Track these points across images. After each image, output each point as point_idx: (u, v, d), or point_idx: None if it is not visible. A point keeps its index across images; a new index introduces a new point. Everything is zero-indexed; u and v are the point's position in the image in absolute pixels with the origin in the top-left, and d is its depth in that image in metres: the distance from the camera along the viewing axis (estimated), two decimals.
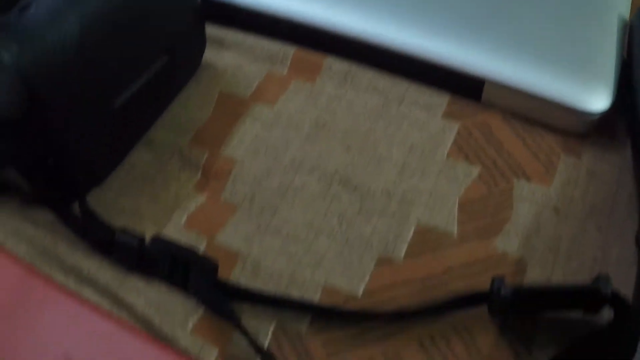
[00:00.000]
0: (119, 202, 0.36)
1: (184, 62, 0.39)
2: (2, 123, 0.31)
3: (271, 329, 0.32)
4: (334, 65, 0.41)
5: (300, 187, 0.36)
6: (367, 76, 0.40)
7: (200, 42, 0.40)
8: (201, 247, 0.34)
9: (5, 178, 0.35)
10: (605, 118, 0.37)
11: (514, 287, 0.30)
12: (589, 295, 0.30)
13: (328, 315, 0.32)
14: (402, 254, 0.34)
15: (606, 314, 0.31)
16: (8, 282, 0.28)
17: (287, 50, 0.42)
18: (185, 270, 0.32)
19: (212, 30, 0.42)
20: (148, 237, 0.33)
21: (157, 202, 0.36)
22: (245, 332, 0.30)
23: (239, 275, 0.33)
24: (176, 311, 0.32)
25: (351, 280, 0.33)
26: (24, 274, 0.28)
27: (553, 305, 0.32)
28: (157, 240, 0.32)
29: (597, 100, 0.37)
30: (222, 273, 0.33)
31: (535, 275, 0.33)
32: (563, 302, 0.32)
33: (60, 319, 0.27)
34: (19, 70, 0.29)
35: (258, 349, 0.30)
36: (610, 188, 0.36)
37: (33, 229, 0.34)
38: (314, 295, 0.33)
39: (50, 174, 0.34)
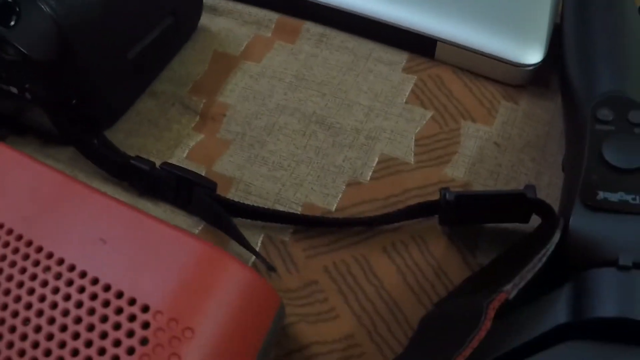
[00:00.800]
0: (128, 141, 0.42)
1: (184, 23, 0.45)
2: (37, 65, 0.36)
3: (260, 238, 0.38)
4: (311, 29, 0.47)
5: (284, 126, 0.43)
6: (339, 38, 0.47)
7: (198, 7, 0.46)
8: (201, 174, 0.40)
9: (29, 119, 0.41)
10: (540, 70, 0.44)
11: (457, 193, 0.37)
12: (518, 200, 0.36)
13: (308, 225, 0.38)
14: (368, 178, 0.40)
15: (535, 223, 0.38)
16: (52, 182, 0.33)
17: (271, 16, 0.48)
18: (189, 190, 0.38)
19: None
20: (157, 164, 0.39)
21: (161, 140, 0.42)
22: (241, 239, 0.36)
23: (233, 196, 0.39)
24: (180, 225, 0.38)
25: (326, 198, 0.39)
26: (62, 178, 0.33)
27: (489, 210, 0.38)
28: (166, 164, 0.38)
29: (532, 54, 0.43)
30: (219, 194, 0.39)
31: None
32: (496, 208, 0.37)
33: (95, 210, 0.32)
34: (56, 20, 0.35)
35: (254, 251, 0.36)
36: (543, 127, 0.43)
37: (55, 164, 0.41)
38: (296, 211, 0.39)
39: (73, 113, 0.40)
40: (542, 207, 0.36)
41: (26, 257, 0.31)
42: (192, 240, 0.31)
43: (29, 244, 0.32)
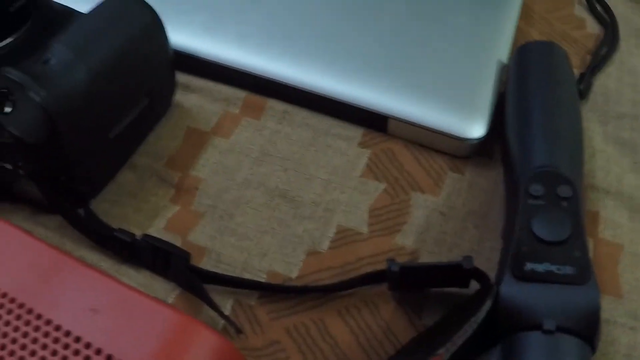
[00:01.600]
0: (112, 211, 0.48)
1: (159, 102, 0.52)
2: (27, 147, 0.43)
3: (230, 302, 0.45)
4: (275, 106, 0.55)
5: (250, 199, 0.49)
6: (300, 114, 0.54)
7: (171, 86, 0.53)
8: (177, 244, 0.47)
9: (21, 189, 0.48)
10: (484, 143, 0.51)
11: (401, 265, 0.43)
12: (456, 269, 0.43)
13: (272, 291, 0.45)
14: (326, 247, 0.47)
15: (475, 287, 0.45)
16: (48, 256, 0.40)
17: (239, 94, 0.55)
18: (167, 259, 0.45)
19: (181, 77, 0.55)
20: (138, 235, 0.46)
21: (141, 212, 0.49)
22: (212, 304, 0.43)
23: (205, 264, 0.46)
24: (159, 291, 0.45)
25: (288, 266, 0.46)
26: (58, 253, 0.40)
27: (432, 277, 0.45)
28: (146, 236, 0.45)
29: (476, 128, 0.51)
30: (194, 261, 0.46)
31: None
32: (439, 276, 0.44)
33: (86, 282, 0.39)
34: (45, 108, 0.42)
35: (223, 315, 0.43)
36: (486, 196, 0.50)
37: (44, 231, 0.47)
38: (261, 278, 0.46)
39: (61, 187, 0.46)
40: (478, 275, 0.43)
41: (27, 323, 0.38)
42: (168, 310, 0.38)
43: (30, 311, 0.39)
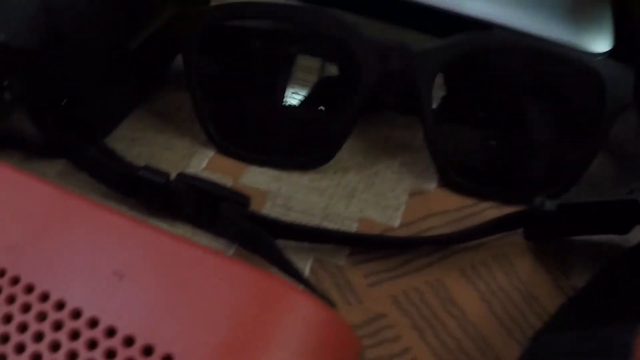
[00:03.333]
0: (132, 151, 0.32)
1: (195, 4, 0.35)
2: (19, 55, 0.27)
3: (309, 264, 0.28)
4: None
5: None
6: (374, 27, 0.35)
7: None
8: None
9: (8, 127, 0.31)
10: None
11: (559, 203, 0.27)
12: (626, 208, 0.27)
13: (368, 245, 0.28)
14: (435, 184, 0.31)
15: (632, 236, 0.30)
16: (42, 204, 0.23)
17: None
18: (214, 207, 0.28)
19: None
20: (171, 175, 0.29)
21: (173, 149, 0.32)
22: (288, 266, 0.26)
23: (269, 213, 0.29)
24: None
25: (386, 212, 0.30)
26: (57, 192, 0.23)
27: (585, 222, 0.29)
28: (184, 176, 0.28)
29: (600, 41, 0.35)
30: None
31: None
32: (595, 219, 0.29)
33: (104, 234, 0.22)
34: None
35: (301, 280, 0.26)
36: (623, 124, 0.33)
37: None
38: (352, 228, 0.29)
39: (63, 117, 0.30)
40: None
41: (11, 299, 0.21)
42: (243, 268, 0.22)
43: (16, 281, 0.21)
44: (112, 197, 0.29)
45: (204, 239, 0.28)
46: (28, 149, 0.31)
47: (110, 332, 0.20)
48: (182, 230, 0.29)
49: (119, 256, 0.21)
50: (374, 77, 0.29)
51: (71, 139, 0.29)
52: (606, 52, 0.35)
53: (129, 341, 0.20)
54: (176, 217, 0.29)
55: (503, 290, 0.28)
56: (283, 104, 0.32)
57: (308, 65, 0.33)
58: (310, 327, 0.21)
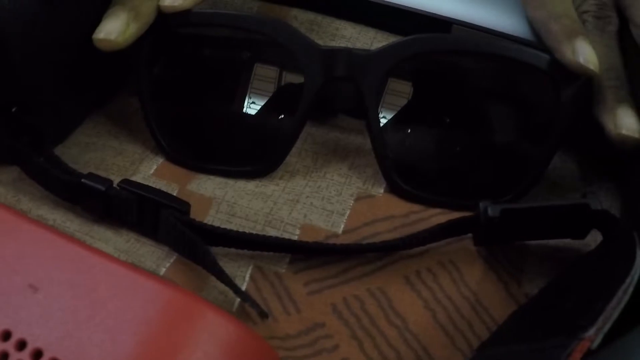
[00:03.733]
0: (84, 157, 0.31)
1: None
2: None
3: (249, 271, 0.28)
4: (299, 16, 0.36)
5: None
6: (333, 25, 0.36)
7: None
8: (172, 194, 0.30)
9: None
10: None
11: (503, 207, 0.27)
12: (577, 212, 0.27)
13: (309, 253, 0.28)
14: (383, 189, 0.30)
15: (591, 242, 0.29)
16: None
17: (252, 4, 0.37)
18: (156, 213, 0.28)
19: None
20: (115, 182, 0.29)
21: (123, 154, 0.32)
22: (222, 276, 0.26)
23: (213, 219, 0.29)
24: (148, 258, 0.27)
25: (330, 217, 0.29)
26: None
27: (537, 226, 0.28)
28: (126, 182, 0.28)
29: None
30: (196, 218, 0.28)
31: None
32: (547, 223, 0.28)
33: (21, 245, 0.22)
34: None
35: (239, 291, 0.26)
36: None
37: None
38: (293, 235, 0.29)
39: (14, 124, 0.30)
40: (606, 221, 0.27)
41: None
42: (155, 283, 0.21)
43: None
44: (61, 204, 0.29)
45: (148, 245, 0.28)
46: None
47: (21, 345, 0.20)
48: (127, 236, 0.28)
49: (33, 269, 0.21)
50: (318, 83, 0.29)
51: (20, 146, 0.30)
52: None
53: (37, 355, 0.20)
54: (121, 224, 0.29)
55: (449, 298, 0.27)
56: (233, 112, 0.32)
57: (262, 71, 0.32)
58: (220, 344, 0.20)
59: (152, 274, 0.22)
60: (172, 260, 0.28)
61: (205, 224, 0.28)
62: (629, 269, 0.23)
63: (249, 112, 0.32)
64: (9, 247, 0.22)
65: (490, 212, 0.27)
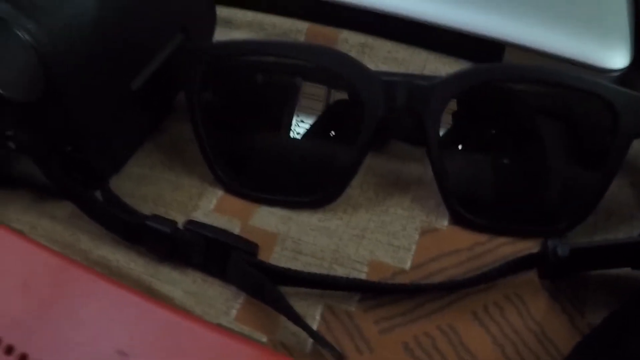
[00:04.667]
0: (141, 191, 0.31)
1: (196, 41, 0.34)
2: (18, 107, 0.26)
3: (319, 310, 0.28)
4: (350, 38, 0.36)
5: None
6: (384, 48, 0.36)
7: (211, 21, 0.35)
8: (235, 231, 0.30)
9: (18, 171, 0.31)
10: (628, 75, 0.34)
11: (572, 246, 0.27)
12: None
13: (378, 292, 0.28)
14: (447, 221, 0.30)
15: None
16: (46, 273, 0.23)
17: (300, 26, 0.37)
18: (223, 255, 0.28)
19: (220, 10, 0.36)
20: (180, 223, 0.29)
21: (181, 188, 0.32)
22: (294, 317, 0.26)
23: (279, 257, 0.29)
24: (217, 300, 0.28)
25: (397, 253, 0.29)
26: (61, 263, 0.24)
27: (602, 264, 0.28)
28: (192, 224, 0.28)
29: (617, 57, 0.34)
30: (261, 256, 0.29)
31: None
32: (612, 260, 0.28)
33: (108, 310, 0.22)
34: (37, 49, 0.25)
35: (312, 333, 0.26)
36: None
37: (51, 224, 0.30)
38: (362, 273, 0.29)
39: (69, 162, 0.29)
40: None
41: None
42: (242, 346, 0.22)
43: (23, 359, 0.22)
44: (121, 242, 0.29)
45: (215, 286, 0.28)
46: (40, 190, 0.31)
47: None
48: (193, 277, 0.28)
49: (123, 334, 0.21)
50: (379, 113, 0.29)
51: (76, 185, 0.30)
52: (624, 68, 0.34)
53: None
54: (187, 264, 0.29)
55: (516, 332, 0.27)
56: (290, 140, 0.32)
57: (317, 97, 0.32)
58: None
59: (240, 337, 0.22)
60: (241, 301, 0.28)
61: (276, 266, 0.28)
62: None
63: (306, 141, 0.32)
64: (92, 311, 0.22)
65: (559, 251, 0.27)
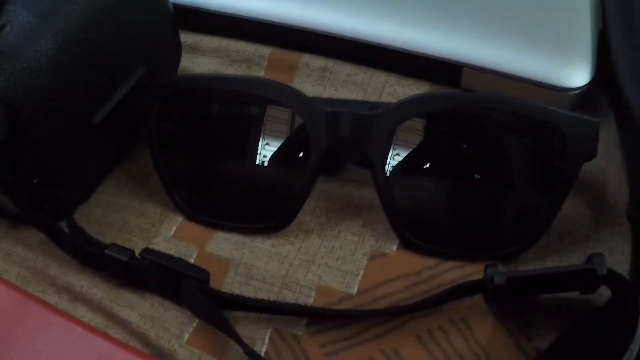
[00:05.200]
0: (107, 218, 0.33)
1: (160, 71, 0.34)
2: None
3: (267, 334, 0.29)
4: (311, 62, 0.37)
5: None
6: (344, 71, 0.37)
7: (175, 50, 0.36)
8: (192, 256, 0.31)
9: None
10: (586, 93, 0.34)
11: (508, 275, 0.27)
12: (585, 276, 0.27)
13: (325, 317, 0.29)
14: (396, 246, 0.31)
15: (603, 291, 0.29)
16: (4, 309, 0.25)
17: (263, 51, 0.38)
18: (177, 282, 0.29)
19: (186, 37, 0.38)
20: (137, 250, 0.30)
21: (145, 215, 0.33)
22: (240, 342, 0.27)
23: (232, 282, 0.30)
24: (172, 323, 0.29)
25: (345, 278, 0.30)
26: (15, 298, 0.25)
27: (548, 288, 0.29)
28: (147, 252, 0.29)
29: (577, 75, 0.34)
30: (215, 281, 0.30)
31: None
32: (558, 285, 0.29)
33: (56, 342, 0.24)
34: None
35: (255, 357, 0.27)
36: (598, 162, 0.32)
37: (24, 251, 0.32)
38: (309, 297, 0.30)
39: (37, 194, 0.31)
40: (614, 281, 0.27)
41: None
42: None
43: None
44: (87, 269, 0.31)
45: (171, 309, 0.29)
46: (14, 220, 0.33)
47: None
48: (151, 300, 0.30)
49: None
50: (323, 144, 0.30)
51: (43, 216, 0.31)
52: (584, 85, 0.34)
53: None
54: (145, 289, 0.30)
55: (460, 356, 0.28)
56: (244, 168, 0.33)
57: (271, 126, 0.33)
58: None
59: None
60: (194, 325, 0.29)
61: (225, 293, 0.29)
62: (629, 340, 0.24)
63: (260, 169, 0.33)
64: (39, 343, 0.24)
65: (496, 280, 0.27)
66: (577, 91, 0.34)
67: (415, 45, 0.35)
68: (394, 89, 0.36)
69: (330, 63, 0.37)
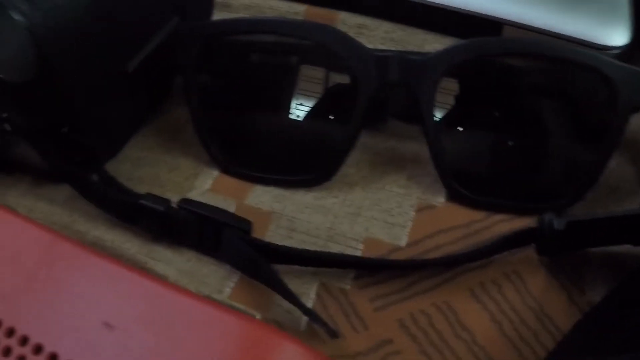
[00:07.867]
0: (137, 173, 0.31)
1: None
2: (13, 88, 0.26)
3: (314, 288, 0.27)
4: (348, 19, 0.36)
5: None
6: (382, 28, 0.35)
7: (208, 4, 0.34)
8: (230, 210, 0.29)
9: (15, 154, 0.30)
10: (627, 53, 0.33)
11: (568, 219, 0.26)
12: (638, 221, 0.26)
13: (374, 269, 0.27)
14: (444, 198, 0.29)
15: None
16: (33, 249, 0.23)
17: (297, 9, 0.36)
18: (216, 233, 0.27)
19: None
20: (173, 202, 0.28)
21: (178, 169, 0.31)
22: (289, 295, 0.25)
23: (273, 235, 0.28)
24: (211, 278, 0.27)
25: (392, 230, 0.28)
26: (49, 238, 0.23)
27: (602, 239, 0.28)
28: (185, 202, 0.27)
29: (617, 34, 0.32)
30: (256, 234, 0.28)
31: None
32: (613, 236, 0.27)
33: (94, 282, 0.22)
34: (30, 30, 0.24)
35: (304, 310, 0.25)
36: (638, 121, 0.30)
37: (49, 206, 0.30)
38: (357, 250, 0.28)
39: (65, 144, 0.29)
40: None
41: (7, 351, 0.21)
42: (233, 318, 0.21)
43: (11, 332, 0.22)
44: (118, 223, 0.29)
45: (209, 265, 0.28)
46: (37, 175, 0.31)
47: None
48: (188, 255, 0.28)
49: (109, 307, 0.21)
50: (371, 88, 0.28)
51: (72, 167, 0.29)
52: (624, 45, 0.33)
53: None
54: (181, 243, 0.28)
55: (514, 309, 0.27)
56: (285, 119, 0.31)
57: (312, 75, 0.31)
58: None
59: (231, 310, 0.21)
60: (235, 280, 0.27)
61: (269, 243, 0.27)
62: None
63: (302, 120, 0.31)
64: (80, 283, 0.22)
65: (555, 225, 0.26)
66: (617, 51, 0.33)
67: (455, 2, 0.34)
68: (433, 47, 0.34)
69: (367, 20, 0.36)
